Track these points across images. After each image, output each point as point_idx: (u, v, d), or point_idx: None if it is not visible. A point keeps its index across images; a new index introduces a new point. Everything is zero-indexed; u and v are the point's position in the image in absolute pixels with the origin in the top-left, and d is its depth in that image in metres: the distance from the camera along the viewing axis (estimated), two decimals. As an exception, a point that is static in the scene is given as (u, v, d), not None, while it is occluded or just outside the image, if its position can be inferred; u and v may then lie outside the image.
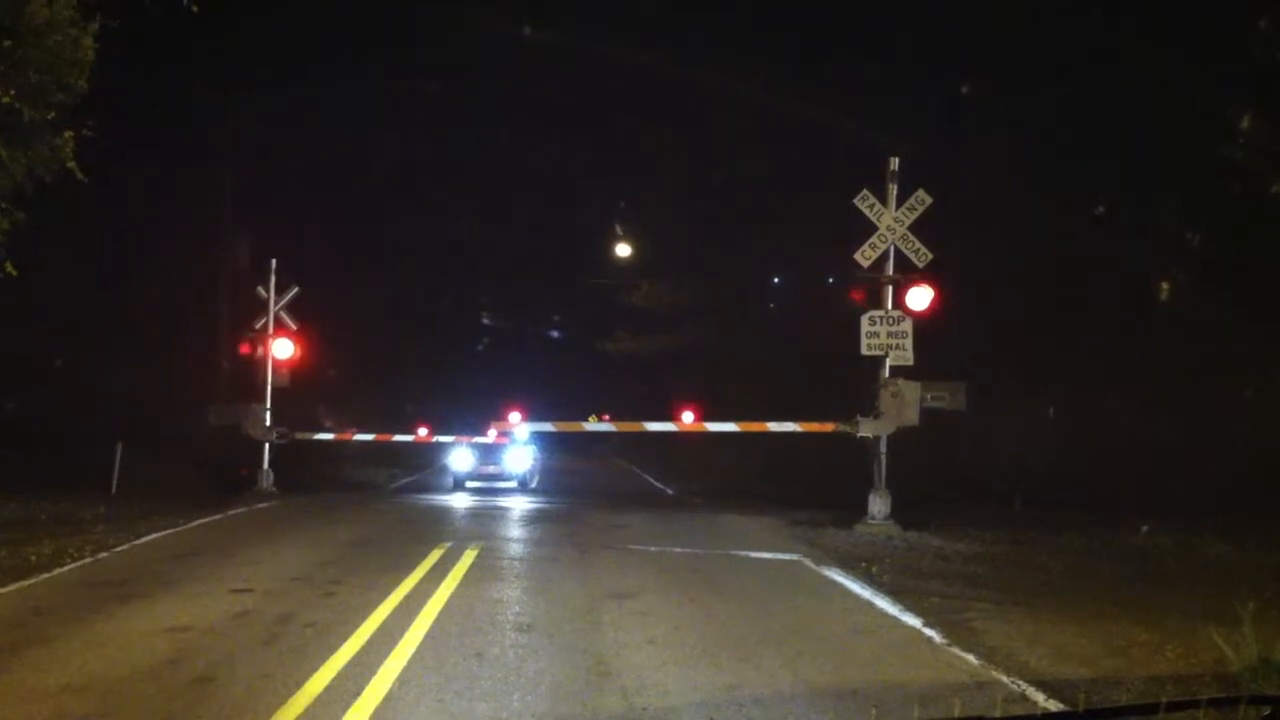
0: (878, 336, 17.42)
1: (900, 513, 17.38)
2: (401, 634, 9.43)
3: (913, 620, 10.48)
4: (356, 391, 35.44)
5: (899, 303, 17.48)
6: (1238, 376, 20.20)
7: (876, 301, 17.67)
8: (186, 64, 27.01)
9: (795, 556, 14.63)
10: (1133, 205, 22.67)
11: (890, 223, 17.36)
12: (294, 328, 23.94)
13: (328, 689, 7.69)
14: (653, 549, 15.19)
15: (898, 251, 17.46)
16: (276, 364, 23.29)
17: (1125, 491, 18.89)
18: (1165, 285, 22.29)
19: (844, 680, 8.14)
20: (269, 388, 23.21)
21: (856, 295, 17.96)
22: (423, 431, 25.80)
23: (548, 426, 21.42)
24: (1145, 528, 16.29)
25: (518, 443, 25.39)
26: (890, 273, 17.61)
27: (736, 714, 7.28)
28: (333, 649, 8.83)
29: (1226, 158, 18.70)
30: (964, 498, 20.52)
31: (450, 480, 26.17)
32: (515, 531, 17.22)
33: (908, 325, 17.36)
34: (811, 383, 25.18)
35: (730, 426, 20.60)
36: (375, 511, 19.41)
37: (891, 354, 17.36)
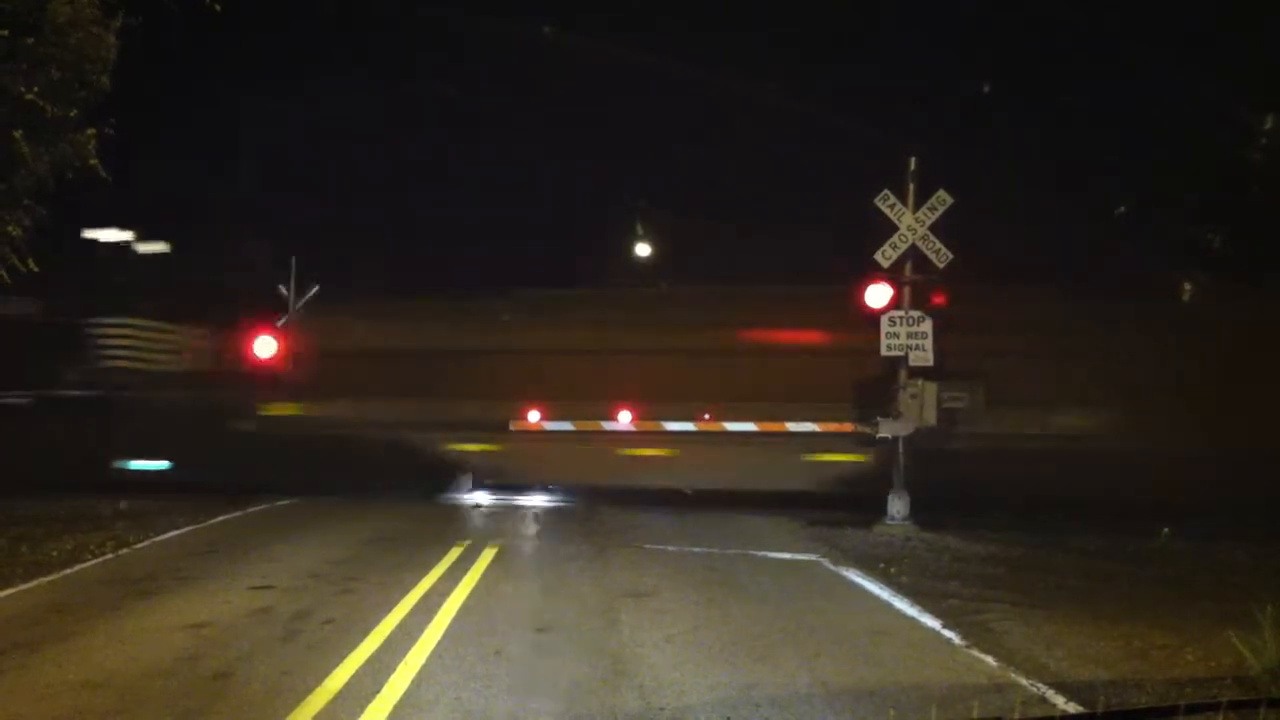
0: (897, 337, 17.36)
1: (919, 513, 17.33)
2: (420, 632, 9.46)
3: (931, 622, 10.46)
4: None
5: (919, 303, 17.42)
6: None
7: (897, 302, 17.59)
8: (209, 63, 27.12)
9: (813, 557, 14.62)
10: (1152, 206, 22.62)
11: (911, 223, 17.31)
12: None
13: (346, 686, 7.72)
14: (670, 548, 15.18)
15: (918, 252, 17.40)
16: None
17: (1146, 494, 18.79)
18: (1186, 286, 22.22)
19: (862, 681, 8.13)
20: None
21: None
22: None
23: (566, 426, 21.42)
24: (1165, 531, 16.20)
25: None
26: (910, 273, 17.55)
27: (754, 714, 7.28)
28: (351, 646, 8.87)
29: (1246, 160, 18.64)
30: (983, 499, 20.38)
31: (469, 479, 26.15)
32: (533, 530, 17.23)
33: (927, 326, 17.29)
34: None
35: (749, 426, 20.58)
36: (393, 510, 19.41)
37: (911, 354, 17.31)
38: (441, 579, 12.16)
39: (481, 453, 22.50)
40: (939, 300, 17.52)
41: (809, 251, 24.94)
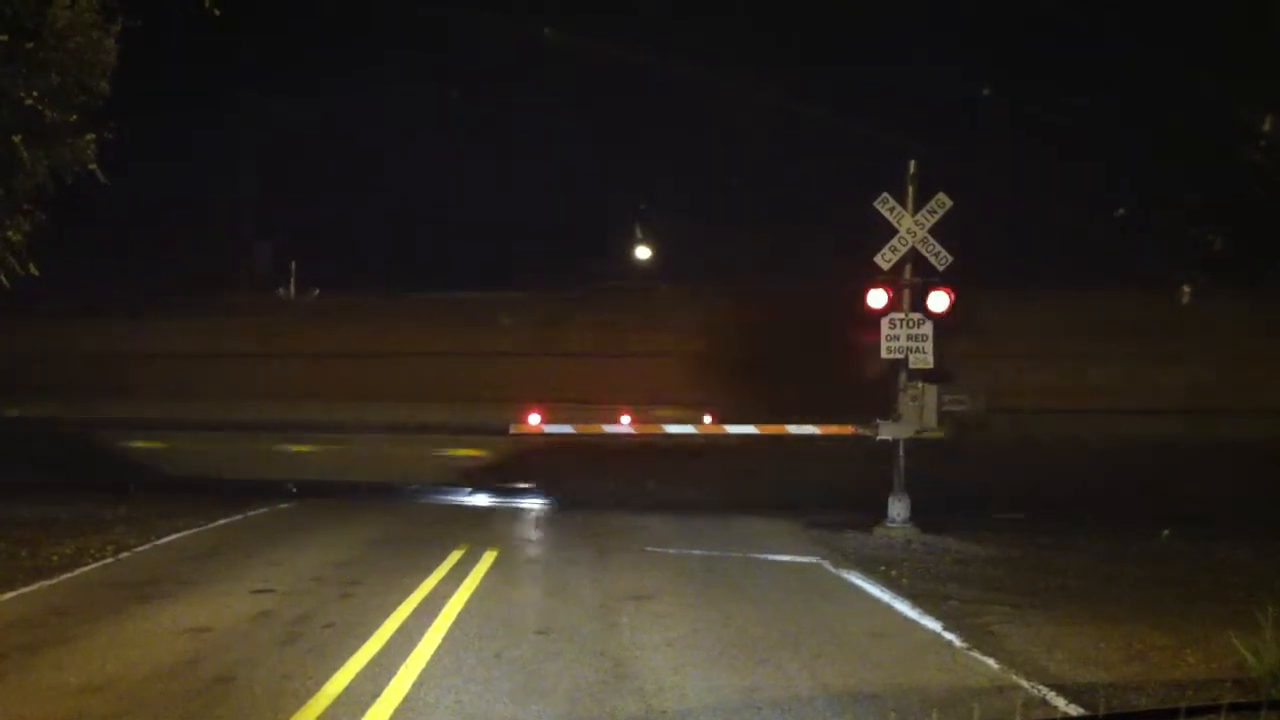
0: (898, 340, 17.35)
1: (919, 516, 17.31)
2: (420, 635, 9.47)
3: (932, 624, 10.46)
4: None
5: (919, 305, 17.40)
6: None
7: (897, 304, 17.57)
8: (208, 66, 27.09)
9: (814, 559, 14.62)
10: (1151, 208, 22.61)
11: (910, 226, 17.29)
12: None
13: (347, 690, 7.72)
14: (671, 551, 15.18)
15: (917, 254, 17.39)
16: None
17: (1145, 496, 18.78)
18: (1186, 289, 22.19)
19: (863, 683, 8.13)
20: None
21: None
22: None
23: (567, 429, 21.40)
24: (1165, 532, 16.21)
25: None
26: (909, 276, 17.53)
27: (754, 716, 7.28)
28: (352, 650, 8.88)
29: (1247, 160, 18.63)
30: (984, 500, 20.37)
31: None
32: (534, 533, 17.24)
33: (928, 328, 17.26)
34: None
35: (749, 429, 20.57)
36: (394, 513, 19.43)
37: (911, 357, 17.29)
38: (442, 582, 12.16)
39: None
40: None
41: (811, 254, 24.95)
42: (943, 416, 17.49)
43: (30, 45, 13.37)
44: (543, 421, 21.35)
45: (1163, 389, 20.49)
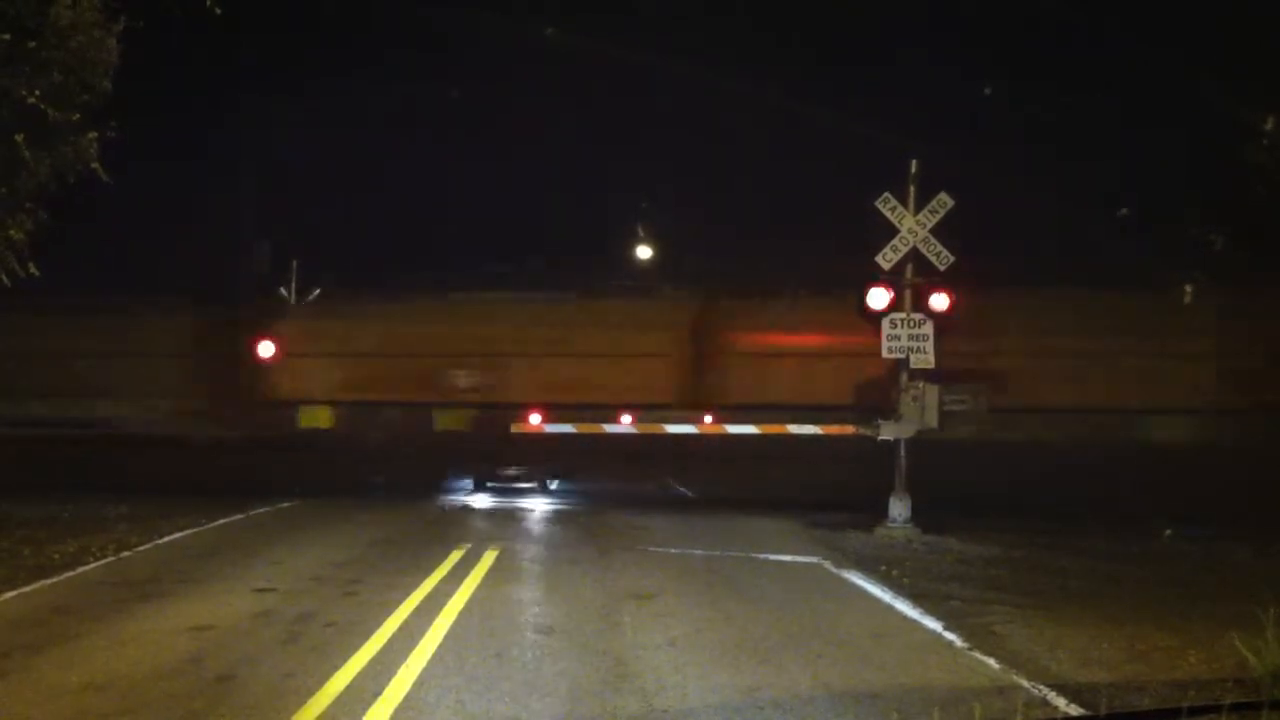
0: (899, 339, 17.34)
1: (920, 515, 17.31)
2: (422, 634, 9.47)
3: (933, 624, 10.46)
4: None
5: (920, 305, 17.39)
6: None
7: (898, 304, 17.56)
8: (209, 66, 27.16)
9: (815, 559, 14.62)
10: (1153, 208, 22.63)
11: (912, 225, 17.29)
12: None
13: (348, 688, 7.73)
14: (673, 551, 15.18)
15: (919, 254, 17.38)
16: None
17: (1146, 495, 18.80)
18: (1187, 289, 22.19)
19: (864, 683, 8.13)
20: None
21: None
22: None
23: (568, 428, 21.43)
24: (1168, 532, 16.20)
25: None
26: (911, 275, 17.52)
27: (756, 716, 7.28)
28: (353, 648, 8.88)
29: (1249, 160, 18.62)
30: (986, 500, 20.39)
31: (471, 481, 26.26)
32: (535, 532, 17.24)
33: (929, 328, 17.25)
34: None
35: (750, 429, 20.59)
36: (395, 512, 19.43)
37: (913, 357, 17.29)
38: (443, 581, 12.17)
39: None
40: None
41: (813, 254, 25.00)
42: (944, 416, 17.51)
43: (32, 44, 13.37)
44: (543, 421, 21.40)
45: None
